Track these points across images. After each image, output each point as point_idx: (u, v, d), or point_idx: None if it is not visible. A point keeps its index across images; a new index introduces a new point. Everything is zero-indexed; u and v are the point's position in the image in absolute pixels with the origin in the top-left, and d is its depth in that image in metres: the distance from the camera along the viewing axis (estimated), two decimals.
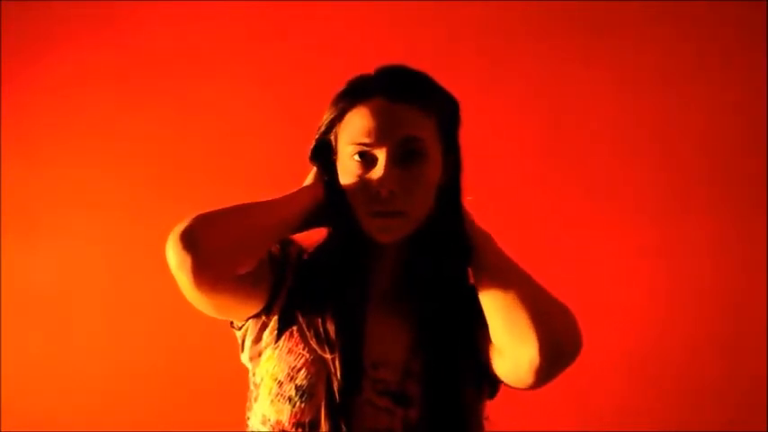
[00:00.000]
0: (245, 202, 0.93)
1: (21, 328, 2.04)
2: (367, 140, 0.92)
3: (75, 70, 2.09)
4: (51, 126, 2.09)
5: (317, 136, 1.00)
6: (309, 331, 0.95)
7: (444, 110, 0.98)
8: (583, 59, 1.96)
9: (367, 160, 0.93)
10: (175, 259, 0.83)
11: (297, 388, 0.92)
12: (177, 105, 2.06)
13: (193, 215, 0.86)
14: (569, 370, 1.89)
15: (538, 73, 1.97)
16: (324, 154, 1.00)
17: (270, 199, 0.94)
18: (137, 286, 2.00)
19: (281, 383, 0.93)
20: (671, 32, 1.95)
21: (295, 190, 0.99)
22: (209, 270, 0.84)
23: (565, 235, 1.93)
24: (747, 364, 1.86)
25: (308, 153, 1.01)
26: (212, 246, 0.84)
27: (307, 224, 0.99)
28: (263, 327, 0.98)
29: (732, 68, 1.92)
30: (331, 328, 0.94)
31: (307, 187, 1.00)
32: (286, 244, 1.00)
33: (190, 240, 0.82)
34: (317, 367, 0.93)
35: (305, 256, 1.01)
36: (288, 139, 1.87)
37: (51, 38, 2.10)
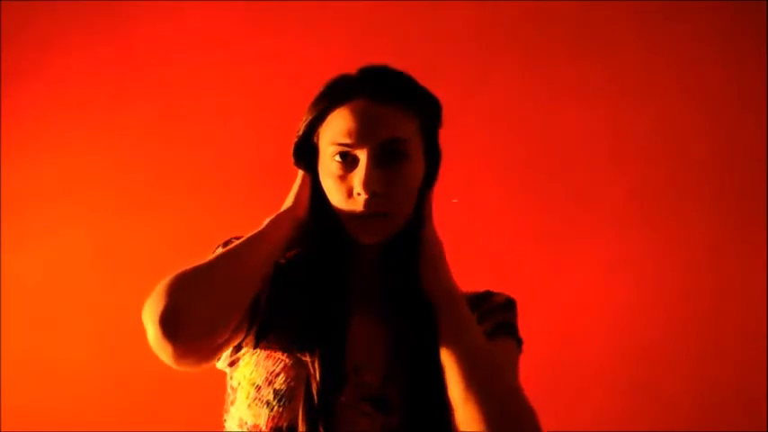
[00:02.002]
0: (221, 252, 0.89)
1: (11, 325, 2.03)
2: (348, 141, 0.91)
3: (68, 69, 2.09)
4: (45, 123, 2.08)
5: (296, 138, 0.98)
6: (290, 335, 0.93)
7: (426, 111, 0.97)
8: (571, 64, 1.96)
9: (348, 161, 0.92)
10: (155, 342, 0.81)
11: (275, 392, 0.90)
12: (170, 103, 2.06)
13: (169, 284, 0.82)
14: (565, 375, 1.88)
15: (524, 77, 1.96)
16: (309, 156, 0.99)
17: (247, 238, 0.91)
18: (126, 285, 1.99)
19: (258, 388, 0.91)
20: (659, 38, 1.95)
21: (273, 218, 0.96)
22: (191, 356, 0.83)
23: (556, 241, 1.92)
24: (747, 365, 1.85)
25: (292, 155, 1.00)
26: (194, 331, 0.81)
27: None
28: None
29: (728, 70, 1.91)
30: (312, 330, 0.92)
31: (286, 211, 0.98)
32: None
33: (170, 328, 0.79)
34: (296, 371, 0.91)
35: (281, 261, 0.99)
36: (276, 138, 1.89)
37: (47, 36, 2.10)
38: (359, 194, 0.90)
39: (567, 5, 1.96)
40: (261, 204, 1.93)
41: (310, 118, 0.96)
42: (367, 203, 0.90)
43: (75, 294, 2.03)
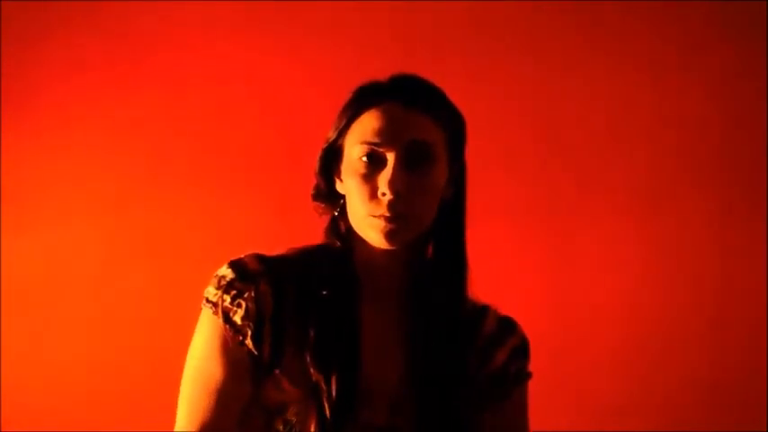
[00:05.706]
0: None
1: (12, 323, 2.01)
2: (377, 140, 0.92)
3: (69, 61, 2.06)
4: (47, 112, 2.06)
5: (325, 143, 0.98)
6: (300, 363, 0.92)
7: (454, 125, 0.99)
8: (577, 51, 1.95)
9: (374, 163, 0.92)
10: None
11: (285, 422, 0.91)
12: (174, 94, 2.03)
13: None
14: (565, 367, 1.87)
15: (531, 66, 1.95)
16: (331, 163, 0.99)
17: None
18: (129, 280, 1.98)
19: (270, 413, 0.92)
20: (666, 24, 1.94)
21: None
22: None
23: (561, 229, 1.92)
24: (746, 360, 1.85)
25: (317, 163, 1.00)
26: None
27: None
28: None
29: (736, 56, 1.91)
30: (323, 358, 0.91)
31: None
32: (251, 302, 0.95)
33: None
34: (307, 400, 0.91)
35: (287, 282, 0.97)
36: (280, 134, 1.87)
37: (48, 28, 2.07)
38: (383, 195, 0.90)
39: None
40: (264, 198, 1.95)
41: (343, 122, 0.96)
42: (390, 204, 0.90)
43: (77, 291, 2.01)
